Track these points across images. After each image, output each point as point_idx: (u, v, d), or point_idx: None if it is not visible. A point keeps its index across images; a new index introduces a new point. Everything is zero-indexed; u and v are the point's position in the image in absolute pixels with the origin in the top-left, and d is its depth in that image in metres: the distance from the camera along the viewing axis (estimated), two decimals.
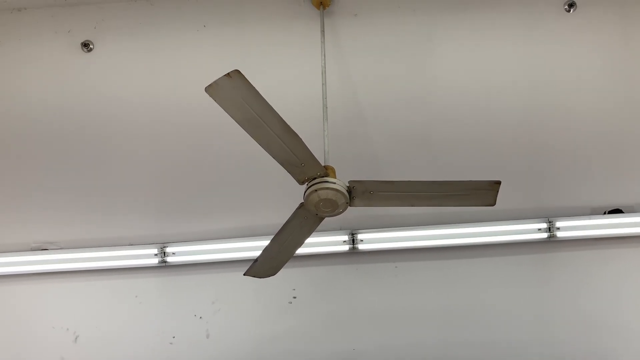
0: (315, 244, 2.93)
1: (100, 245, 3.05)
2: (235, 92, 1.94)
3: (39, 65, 3.19)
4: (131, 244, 3.06)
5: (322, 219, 2.36)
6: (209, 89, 1.93)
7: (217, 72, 1.97)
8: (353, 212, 2.47)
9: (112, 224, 3.09)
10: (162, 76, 3.16)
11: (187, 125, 3.12)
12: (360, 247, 2.98)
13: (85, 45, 3.18)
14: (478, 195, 2.28)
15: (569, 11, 3.09)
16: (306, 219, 2.35)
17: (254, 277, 2.62)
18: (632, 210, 2.98)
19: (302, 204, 2.29)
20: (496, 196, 2.27)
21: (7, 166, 3.15)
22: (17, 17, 3.22)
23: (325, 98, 2.58)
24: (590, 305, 2.97)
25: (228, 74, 1.89)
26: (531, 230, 2.95)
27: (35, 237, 3.09)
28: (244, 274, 2.60)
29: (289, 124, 2.07)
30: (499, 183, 2.23)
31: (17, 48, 3.20)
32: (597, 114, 3.05)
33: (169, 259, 3.02)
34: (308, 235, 2.43)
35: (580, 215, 2.96)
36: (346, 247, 2.98)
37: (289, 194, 2.50)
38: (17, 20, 3.21)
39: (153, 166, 3.12)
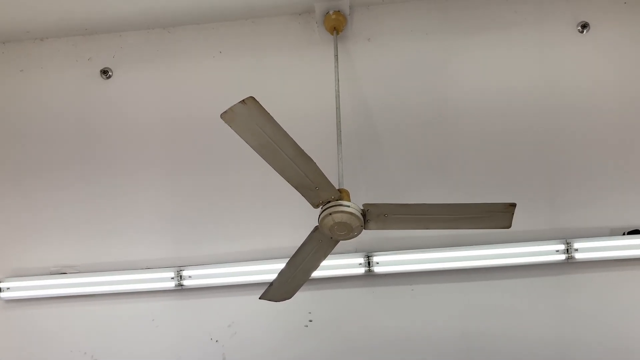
0: (331, 266, 2.92)
1: (118, 269, 3.08)
2: (249, 119, 1.98)
3: (60, 92, 3.27)
4: (148, 268, 3.09)
5: (337, 242, 2.36)
6: (225, 116, 1.96)
7: (233, 97, 2.01)
8: (368, 234, 2.46)
9: (129, 248, 3.12)
10: (179, 102, 3.22)
11: (203, 149, 3.16)
12: (376, 269, 2.96)
13: (105, 72, 3.26)
14: (493, 218, 2.27)
15: (582, 32, 3.09)
16: (321, 242, 2.35)
17: (270, 300, 2.63)
18: None
19: (316, 228, 2.30)
20: (512, 218, 2.26)
21: (27, 191, 3.20)
22: (40, 46, 3.32)
23: (339, 122, 2.60)
24: (611, 328, 2.90)
25: (243, 100, 1.93)
26: (549, 252, 2.91)
27: (54, 261, 3.13)
28: (259, 298, 2.60)
29: (303, 148, 2.10)
30: (514, 205, 2.22)
31: (40, 76, 3.29)
32: (614, 133, 3.03)
33: (185, 283, 3.03)
34: (323, 258, 2.43)
35: (599, 236, 2.92)
36: (362, 270, 2.97)
37: (304, 218, 2.51)
38: (39, 49, 3.31)
39: (170, 190, 3.16)
